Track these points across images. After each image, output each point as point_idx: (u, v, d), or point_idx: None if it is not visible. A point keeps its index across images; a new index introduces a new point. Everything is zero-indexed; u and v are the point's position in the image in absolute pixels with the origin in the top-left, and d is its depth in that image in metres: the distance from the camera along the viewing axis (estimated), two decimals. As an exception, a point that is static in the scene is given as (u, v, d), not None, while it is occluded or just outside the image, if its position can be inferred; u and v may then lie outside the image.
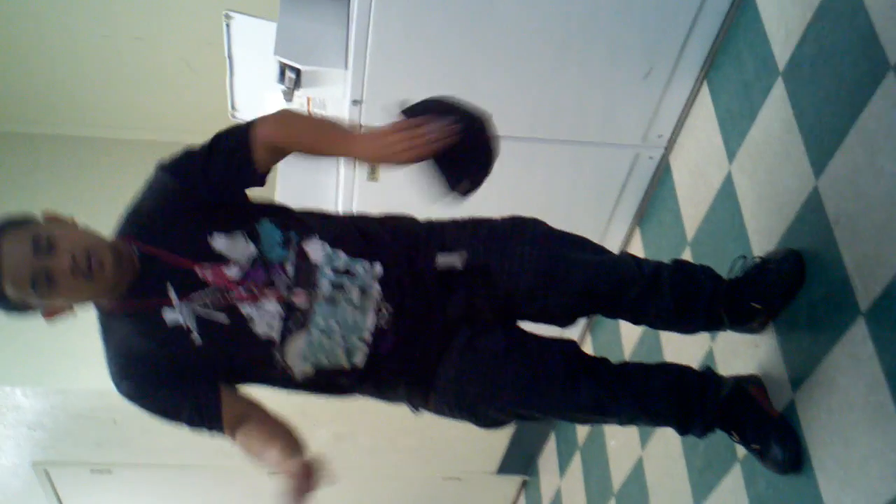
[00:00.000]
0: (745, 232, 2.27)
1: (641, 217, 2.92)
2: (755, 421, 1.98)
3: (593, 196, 2.85)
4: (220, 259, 1.72)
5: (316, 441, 3.86)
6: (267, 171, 1.78)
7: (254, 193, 1.85)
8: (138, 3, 3.25)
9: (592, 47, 2.45)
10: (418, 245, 1.88)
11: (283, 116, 1.84)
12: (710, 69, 2.50)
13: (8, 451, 3.79)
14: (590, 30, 2.41)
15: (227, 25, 2.62)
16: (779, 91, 2.16)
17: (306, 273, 1.75)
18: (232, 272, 1.72)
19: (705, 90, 2.53)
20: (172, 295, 1.71)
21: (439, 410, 1.91)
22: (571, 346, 1.95)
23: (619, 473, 3.06)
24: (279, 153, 1.78)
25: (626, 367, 2.01)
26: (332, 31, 2.52)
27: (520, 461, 4.14)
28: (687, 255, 2.58)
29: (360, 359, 1.80)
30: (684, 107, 2.59)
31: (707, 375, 2.04)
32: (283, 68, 2.50)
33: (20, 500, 4.16)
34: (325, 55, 2.51)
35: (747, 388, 2.03)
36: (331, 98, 2.62)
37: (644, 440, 2.84)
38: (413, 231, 1.93)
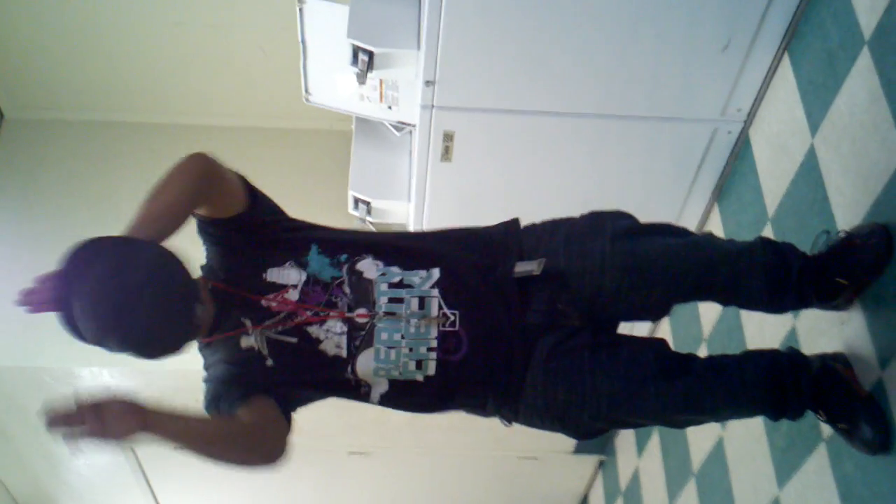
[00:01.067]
0: (829, 206, 2.20)
1: (720, 194, 2.86)
2: (843, 400, 1.93)
3: (670, 173, 2.81)
4: (279, 287, 1.77)
5: (392, 420, 3.94)
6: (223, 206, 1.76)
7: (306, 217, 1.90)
8: (212, -8, 3.31)
9: (668, 20, 2.40)
10: (495, 253, 1.87)
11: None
12: (791, 40, 2.43)
13: (97, 430, 3.92)
14: (665, 2, 2.36)
15: (301, 10, 2.64)
16: (864, 61, 2.09)
17: (363, 290, 1.77)
18: (292, 295, 1.76)
19: (786, 62, 2.46)
20: (248, 324, 1.76)
21: (530, 422, 1.89)
22: (661, 345, 1.92)
23: (698, 453, 3.02)
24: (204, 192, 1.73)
25: (715, 360, 1.96)
26: (405, 12, 2.53)
27: (596, 441, 4.12)
28: (768, 232, 2.52)
29: (432, 368, 1.79)
30: (764, 79, 2.53)
31: (796, 357, 1.99)
32: (355, 51, 2.51)
33: (108, 477, 4.32)
34: (397, 37, 2.51)
35: (835, 367, 1.98)
36: (403, 80, 2.62)
37: (724, 420, 2.80)
38: (488, 239, 1.91)
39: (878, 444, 1.89)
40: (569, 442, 4.15)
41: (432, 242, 1.89)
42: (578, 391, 1.80)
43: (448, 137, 2.64)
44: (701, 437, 3.00)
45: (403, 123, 2.83)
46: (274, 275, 1.78)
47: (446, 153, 2.68)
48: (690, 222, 2.95)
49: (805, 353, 2.04)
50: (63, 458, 4.12)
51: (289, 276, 1.77)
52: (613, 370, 1.80)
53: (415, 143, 2.75)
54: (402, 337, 1.77)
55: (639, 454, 3.68)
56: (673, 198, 2.88)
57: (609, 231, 1.83)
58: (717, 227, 2.87)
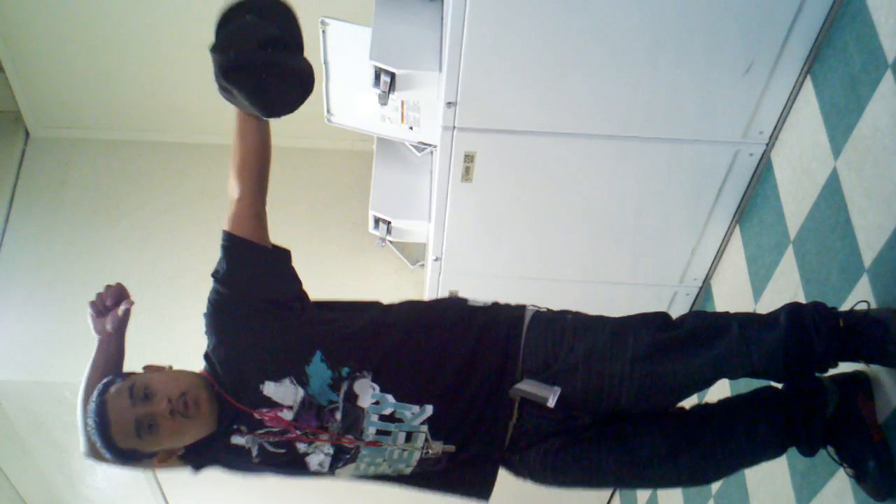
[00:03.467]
0: (852, 229, 2.20)
1: (741, 216, 2.85)
2: (855, 443, 1.92)
3: (691, 195, 2.80)
4: (274, 404, 1.78)
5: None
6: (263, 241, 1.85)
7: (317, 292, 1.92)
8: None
9: (689, 43, 2.41)
10: (503, 367, 1.83)
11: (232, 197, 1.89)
12: (813, 63, 2.43)
13: (116, 445, 3.94)
14: (686, 25, 2.37)
15: (323, 32, 2.67)
16: (888, 84, 2.08)
17: (353, 418, 1.79)
18: (286, 415, 1.78)
19: (809, 84, 2.46)
20: (244, 429, 1.80)
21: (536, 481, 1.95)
22: (668, 422, 1.93)
23: (718, 476, 3.00)
24: (256, 214, 1.84)
25: (725, 423, 1.94)
26: (427, 34, 2.55)
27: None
28: (789, 254, 2.51)
29: (410, 471, 1.89)
30: (787, 102, 2.53)
31: (814, 399, 1.95)
32: (377, 72, 2.54)
33: (126, 491, 4.35)
34: (419, 58, 2.54)
35: (854, 402, 1.95)
36: (425, 101, 2.64)
37: (744, 442, 2.78)
38: (496, 345, 1.85)
39: (884, 492, 1.89)
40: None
41: (437, 369, 1.83)
42: (587, 475, 1.89)
43: (469, 158, 2.65)
44: (721, 460, 2.97)
45: (424, 144, 2.84)
46: (270, 389, 1.77)
47: (467, 174, 2.69)
48: (712, 244, 2.95)
49: (825, 380, 2.00)
50: (81, 472, 4.14)
51: (285, 395, 1.77)
52: (620, 453, 1.87)
53: (435, 164, 2.76)
54: (384, 460, 1.85)
55: (657, 476, 3.65)
56: (694, 220, 2.87)
57: (630, 352, 1.80)
58: (738, 250, 2.86)
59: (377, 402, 1.78)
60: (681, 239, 2.95)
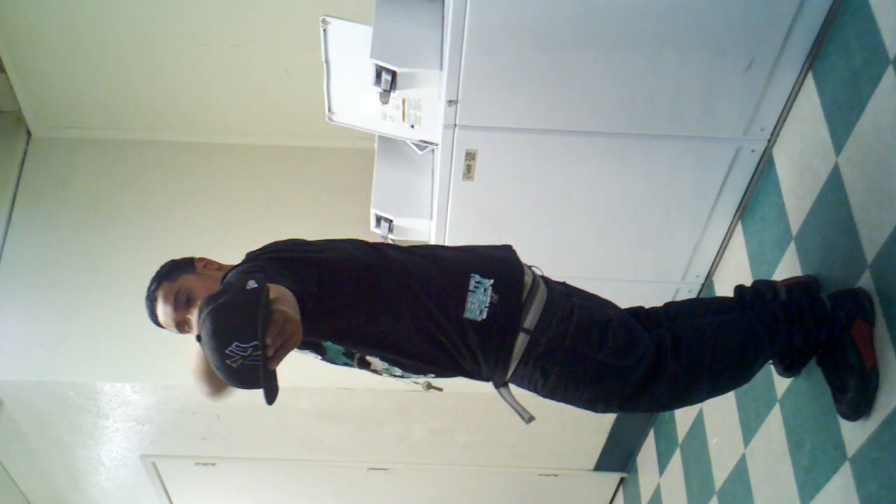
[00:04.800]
0: (854, 225, 2.20)
1: (743, 212, 2.86)
2: (843, 367, 2.11)
3: (693, 192, 2.80)
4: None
5: (411, 436, 3.95)
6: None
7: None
8: (236, 13, 3.34)
9: (690, 40, 2.40)
10: (496, 353, 1.98)
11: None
12: (815, 59, 2.43)
13: (118, 444, 3.96)
14: (688, 23, 2.37)
15: (324, 31, 2.66)
16: (889, 80, 2.08)
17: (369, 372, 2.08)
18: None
19: (810, 81, 2.46)
20: None
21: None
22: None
23: (721, 471, 3.00)
24: None
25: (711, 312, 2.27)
26: (428, 32, 2.55)
27: (618, 458, 4.11)
28: (791, 250, 2.52)
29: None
30: (788, 98, 2.53)
31: (794, 310, 2.16)
32: (379, 71, 2.53)
33: (130, 491, 4.34)
34: (420, 57, 2.53)
35: (851, 325, 2.08)
36: (426, 99, 2.64)
37: (747, 438, 2.78)
38: (494, 339, 1.98)
39: (855, 416, 2.11)
40: (590, 459, 4.14)
41: (436, 348, 1.97)
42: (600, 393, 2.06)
43: (470, 156, 2.66)
44: (723, 455, 2.98)
45: (426, 142, 2.84)
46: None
47: (468, 172, 2.70)
48: (714, 241, 2.95)
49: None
50: (85, 471, 4.15)
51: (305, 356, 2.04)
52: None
53: (437, 162, 2.76)
54: (400, 376, 2.07)
55: (660, 472, 3.66)
56: (696, 216, 2.87)
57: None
58: (740, 246, 2.87)
59: (387, 368, 2.03)
60: (683, 235, 2.95)
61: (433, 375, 2.05)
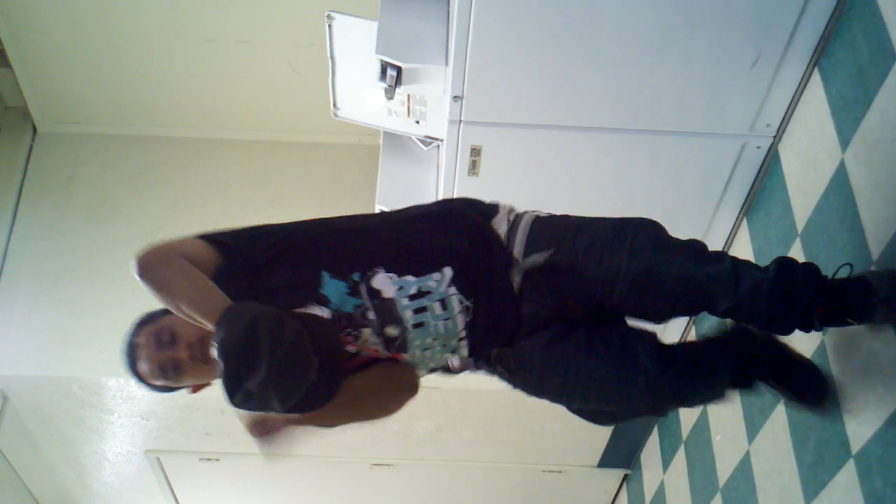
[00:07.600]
0: (859, 221, 2.19)
1: (749, 208, 2.85)
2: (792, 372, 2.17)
3: (698, 188, 2.80)
4: None
5: (415, 432, 3.95)
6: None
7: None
8: (242, 9, 3.35)
9: (696, 36, 2.40)
10: (500, 250, 1.92)
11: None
12: (821, 55, 2.43)
13: (123, 439, 3.97)
14: (694, 18, 2.36)
15: (330, 26, 2.66)
16: (896, 76, 2.08)
17: (388, 311, 1.82)
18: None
19: (816, 77, 2.45)
20: None
21: (524, 386, 2.02)
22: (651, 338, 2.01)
23: (724, 468, 3.00)
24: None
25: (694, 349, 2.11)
26: (433, 28, 2.55)
27: (621, 455, 4.11)
28: (797, 246, 2.51)
29: (465, 352, 1.92)
30: (794, 94, 2.52)
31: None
32: (384, 66, 2.53)
33: (134, 486, 4.35)
34: (425, 52, 2.53)
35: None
36: (431, 95, 2.64)
37: (751, 435, 2.78)
38: (487, 234, 1.94)
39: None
40: (593, 455, 4.14)
41: (436, 238, 1.91)
42: (571, 381, 1.96)
43: (475, 152, 2.66)
44: (727, 452, 2.98)
45: (431, 138, 2.84)
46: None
47: (473, 167, 2.70)
48: (719, 237, 2.94)
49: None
50: (89, 466, 4.16)
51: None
52: (607, 359, 1.94)
53: (442, 158, 2.76)
54: (434, 339, 1.87)
55: (664, 469, 3.66)
56: (701, 212, 2.87)
57: (628, 245, 1.89)
58: (745, 243, 2.86)
59: (401, 288, 1.81)
60: (688, 231, 2.89)
61: (452, 275, 1.84)
